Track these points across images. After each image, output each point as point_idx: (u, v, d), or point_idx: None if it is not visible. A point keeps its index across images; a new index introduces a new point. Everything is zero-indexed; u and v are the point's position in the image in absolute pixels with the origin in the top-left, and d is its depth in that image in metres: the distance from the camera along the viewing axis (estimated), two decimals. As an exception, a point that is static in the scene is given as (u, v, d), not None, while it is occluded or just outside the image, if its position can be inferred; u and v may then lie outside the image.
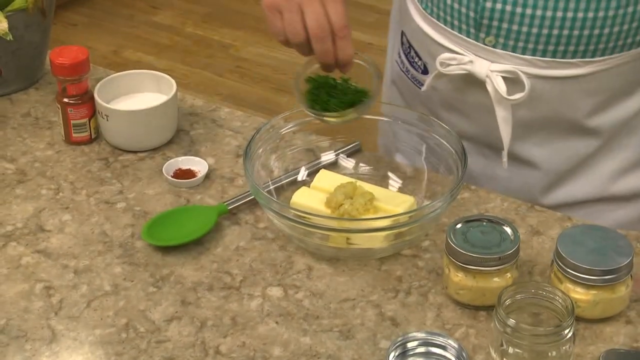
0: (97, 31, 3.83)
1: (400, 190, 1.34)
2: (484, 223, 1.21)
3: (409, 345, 1.12)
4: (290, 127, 1.37)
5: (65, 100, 1.44)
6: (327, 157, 1.40)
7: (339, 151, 1.41)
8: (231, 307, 1.20)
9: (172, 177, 1.39)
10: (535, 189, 1.44)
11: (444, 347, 1.11)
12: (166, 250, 1.28)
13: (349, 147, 1.42)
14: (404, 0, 1.46)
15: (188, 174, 1.40)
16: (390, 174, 1.38)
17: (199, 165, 1.41)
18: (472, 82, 1.36)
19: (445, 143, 1.32)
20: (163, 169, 1.40)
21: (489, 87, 1.34)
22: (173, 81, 1.47)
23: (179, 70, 3.53)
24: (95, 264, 1.27)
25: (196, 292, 1.22)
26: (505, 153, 1.38)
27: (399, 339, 1.11)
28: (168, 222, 1.31)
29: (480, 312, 1.19)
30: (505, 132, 1.36)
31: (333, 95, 1.26)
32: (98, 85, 1.46)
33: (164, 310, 1.20)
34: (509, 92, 1.33)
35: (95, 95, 1.44)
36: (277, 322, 1.18)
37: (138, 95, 1.49)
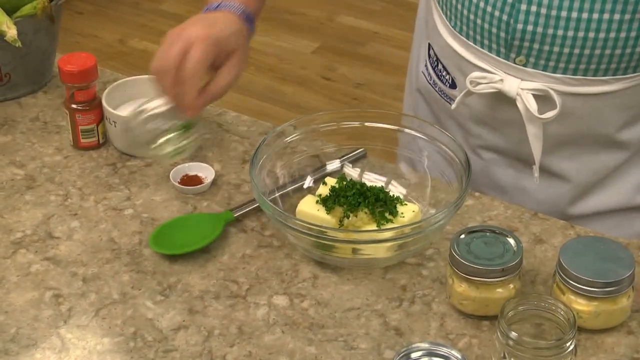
0: (103, 20, 3.84)
1: (405, 197, 1.36)
2: (487, 234, 1.22)
3: (413, 355, 1.12)
4: (297, 135, 1.38)
5: (74, 106, 1.45)
6: (332, 164, 1.41)
7: (344, 158, 1.42)
8: (237, 316, 1.22)
9: (179, 183, 1.40)
10: (564, 201, 1.45)
11: (447, 358, 1.12)
12: (173, 258, 1.30)
13: (354, 153, 1.43)
14: (430, 13, 1.46)
15: (195, 180, 1.41)
16: (394, 181, 1.39)
17: (205, 172, 1.42)
18: (503, 99, 1.37)
19: (449, 152, 1.33)
20: (170, 176, 1.41)
21: (520, 105, 1.34)
22: (180, 87, 1.48)
23: (184, 59, 3.54)
24: (104, 271, 1.28)
25: (203, 301, 1.24)
26: (536, 168, 1.39)
27: (403, 349, 1.12)
28: (175, 230, 1.32)
29: (483, 321, 1.21)
30: (536, 148, 1.37)
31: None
32: (106, 91, 1.47)
33: (172, 319, 1.21)
34: (540, 110, 1.33)
35: (103, 102, 1.45)
36: (282, 331, 1.20)
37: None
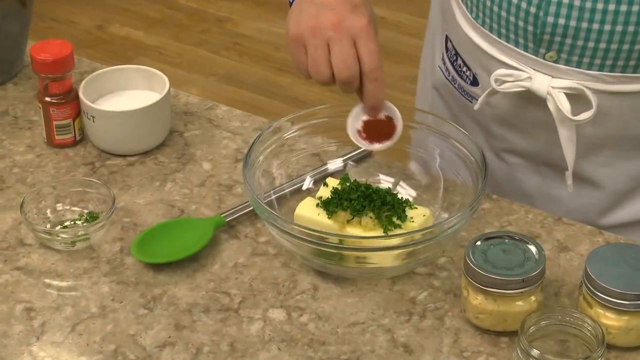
0: (81, 3, 3.84)
1: (415, 200, 1.36)
2: (506, 240, 1.22)
3: (424, 375, 1.14)
4: (295, 131, 1.39)
5: (47, 99, 1.45)
6: (334, 164, 1.42)
7: (347, 157, 1.42)
8: (229, 331, 1.22)
9: (364, 138, 1.31)
10: (596, 209, 1.45)
11: (461, 378, 1.13)
12: (158, 267, 1.30)
13: (358, 152, 1.43)
14: (448, 2, 1.46)
15: (383, 125, 1.29)
16: (403, 182, 1.40)
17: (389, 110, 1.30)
18: (531, 98, 1.36)
19: (464, 149, 1.34)
20: (348, 127, 1.31)
21: (551, 106, 1.34)
22: (166, 78, 1.49)
23: (170, 47, 3.54)
24: (81, 282, 1.29)
25: (191, 315, 1.24)
26: (570, 175, 1.38)
27: (413, 369, 1.13)
28: (160, 237, 1.33)
29: (501, 338, 1.21)
30: (569, 153, 1.36)
31: None
32: (83, 82, 1.47)
33: (156, 334, 1.22)
34: (573, 110, 1.32)
35: (80, 94, 1.46)
36: (279, 349, 1.20)
37: (127, 92, 1.51)
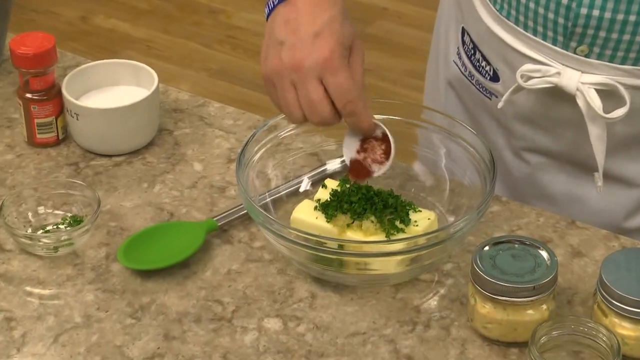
0: (63, -7, 3.86)
1: (419, 203, 1.36)
2: (516, 245, 1.22)
3: (429, 389, 1.14)
4: (291, 129, 1.39)
5: (28, 95, 1.46)
6: (334, 164, 1.42)
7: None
8: (222, 342, 1.22)
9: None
10: (625, 210, 1.45)
11: (468, 392, 1.13)
12: (146, 274, 1.30)
13: (359, 151, 1.43)
14: None
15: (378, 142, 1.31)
16: (406, 183, 1.40)
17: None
18: (558, 95, 1.36)
19: (471, 149, 1.34)
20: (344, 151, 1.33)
21: (580, 102, 1.34)
22: (154, 73, 1.49)
23: (159, 40, 3.55)
24: (64, 290, 1.29)
25: (181, 325, 1.24)
26: (600, 175, 1.38)
27: (417, 382, 1.13)
28: (148, 242, 1.33)
29: (511, 349, 1.21)
30: (599, 152, 1.36)
31: None
32: (66, 77, 1.47)
33: (144, 346, 1.22)
34: (604, 107, 1.32)
35: (63, 90, 1.46)
36: (275, 361, 1.21)
37: (113, 89, 1.51)
